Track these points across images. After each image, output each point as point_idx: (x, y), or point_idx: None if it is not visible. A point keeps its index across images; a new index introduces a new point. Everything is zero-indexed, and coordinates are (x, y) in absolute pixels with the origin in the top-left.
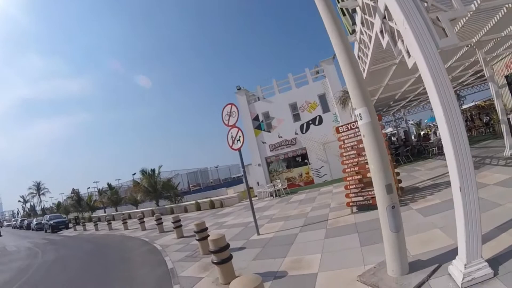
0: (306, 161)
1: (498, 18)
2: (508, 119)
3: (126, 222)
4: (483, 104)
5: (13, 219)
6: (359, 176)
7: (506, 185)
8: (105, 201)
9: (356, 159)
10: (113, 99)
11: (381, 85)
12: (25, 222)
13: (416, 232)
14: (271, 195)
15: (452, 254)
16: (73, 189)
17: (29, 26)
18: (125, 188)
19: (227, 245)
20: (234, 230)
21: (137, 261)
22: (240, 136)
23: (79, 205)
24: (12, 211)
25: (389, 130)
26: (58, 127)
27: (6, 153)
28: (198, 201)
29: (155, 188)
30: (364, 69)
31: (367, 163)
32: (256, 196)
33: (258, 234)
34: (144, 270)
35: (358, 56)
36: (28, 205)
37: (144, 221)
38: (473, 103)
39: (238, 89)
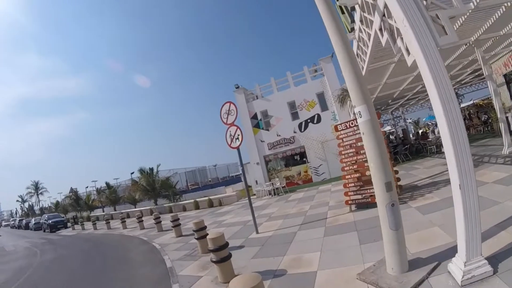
0: (304, 159)
1: (497, 16)
2: (507, 117)
3: (125, 221)
4: (481, 103)
5: (12, 219)
6: (358, 174)
7: (504, 183)
8: (104, 200)
9: (355, 157)
10: (111, 98)
11: (380, 83)
12: (24, 221)
13: (415, 230)
14: (270, 194)
15: (451, 252)
16: (71, 189)
17: (27, 24)
18: (124, 187)
19: (226, 244)
20: (233, 228)
21: (135, 260)
22: (238, 135)
23: (77, 205)
24: (11, 210)
25: (387, 128)
26: (56, 126)
27: (4, 153)
28: (197, 200)
29: (154, 187)
30: (362, 67)
31: (365, 161)
32: (254, 194)
33: (257, 232)
34: (143, 269)
35: (357, 54)
36: (26, 204)
37: (142, 220)
38: (471, 102)
39: (236, 88)
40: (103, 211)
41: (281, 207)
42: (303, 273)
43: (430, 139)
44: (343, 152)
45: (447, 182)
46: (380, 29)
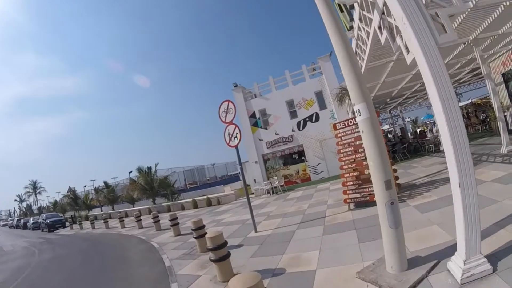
0: (303, 158)
1: (496, 15)
2: (505, 116)
3: (123, 221)
4: (479, 102)
5: (10, 218)
6: (356, 173)
7: (503, 181)
8: (102, 200)
9: (353, 156)
10: (109, 97)
11: (378, 82)
12: (22, 221)
13: (414, 228)
14: (268, 192)
15: (450, 250)
16: (70, 188)
17: (24, 23)
18: (122, 186)
19: (225, 243)
20: (232, 227)
21: (134, 260)
22: (237, 133)
23: (75, 204)
24: (9, 210)
25: (385, 127)
26: (54, 125)
27: (2, 152)
28: (195, 198)
29: (152, 186)
30: (361, 66)
31: (364, 160)
32: (253, 193)
33: (256, 231)
34: (142, 269)
35: (356, 53)
36: (24, 204)
37: (141, 219)
38: (470, 101)
39: (234, 86)
40: (101, 210)
41: (279, 206)
42: (302, 272)
43: (428, 138)
44: (341, 151)
45: (446, 180)
46: (379, 27)
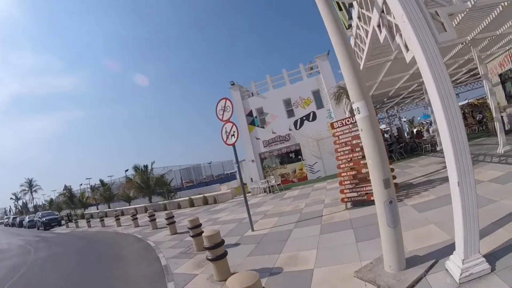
0: (299, 157)
1: (494, 16)
2: (501, 117)
3: (119, 219)
4: (476, 102)
5: (5, 216)
6: (353, 172)
7: (500, 181)
8: (98, 198)
9: (351, 155)
10: (106, 95)
11: (376, 81)
12: (17, 219)
13: (412, 228)
14: (265, 191)
15: (448, 249)
16: (65, 186)
17: (20, 20)
18: (118, 184)
19: (222, 241)
20: (228, 226)
21: (130, 258)
22: (234, 131)
23: (71, 202)
24: (4, 208)
25: (382, 127)
26: (50, 123)
27: None
28: (192, 197)
29: (148, 185)
30: (359, 65)
31: (361, 159)
32: (249, 192)
33: (253, 230)
34: (138, 267)
35: (354, 52)
36: (20, 202)
37: (137, 218)
38: (466, 101)
39: (232, 85)
40: (97, 209)
41: (276, 205)
42: (300, 271)
43: (425, 138)
44: (339, 150)
45: (443, 180)
46: (379, 26)
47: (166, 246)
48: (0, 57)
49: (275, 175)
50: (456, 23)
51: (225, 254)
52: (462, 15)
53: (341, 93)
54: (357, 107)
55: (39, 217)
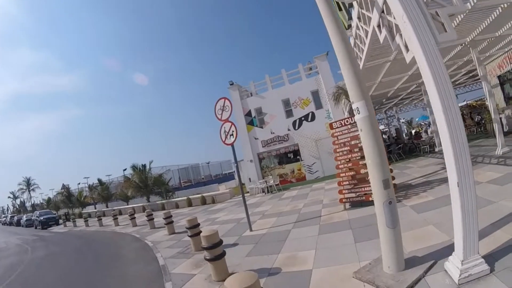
0: (298, 157)
1: (493, 17)
2: (500, 118)
3: (117, 218)
4: (474, 104)
5: (3, 215)
6: (352, 172)
7: (498, 183)
8: (96, 197)
9: (349, 156)
10: (105, 94)
11: (375, 82)
12: (15, 218)
13: (410, 228)
14: (263, 191)
15: (447, 250)
16: (63, 185)
17: (20, 18)
18: (116, 183)
19: (220, 241)
20: (226, 226)
21: (128, 258)
22: (233, 131)
23: (69, 201)
24: (2, 207)
25: (381, 127)
26: (48, 122)
27: None
28: (190, 197)
29: (146, 184)
30: (358, 65)
31: (360, 159)
32: (248, 192)
33: (251, 230)
34: (135, 267)
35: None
36: (18, 201)
37: (135, 217)
38: (465, 103)
39: (231, 84)
40: (95, 208)
41: (274, 205)
42: (298, 272)
43: (423, 139)
44: (337, 150)
45: (441, 181)
46: (379, 26)
47: (164, 246)
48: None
49: (273, 175)
50: (455, 24)
51: (223, 254)
52: (462, 16)
53: (340, 94)
54: (357, 107)
55: (36, 216)
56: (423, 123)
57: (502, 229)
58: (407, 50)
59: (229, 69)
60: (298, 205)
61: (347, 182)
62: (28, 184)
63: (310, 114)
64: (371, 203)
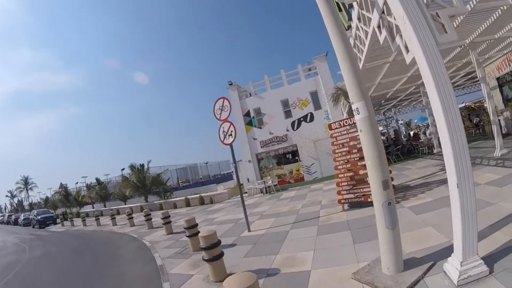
0: (296, 158)
1: (493, 19)
2: (499, 120)
3: (115, 218)
4: (473, 106)
5: (0, 214)
6: (351, 173)
7: (497, 184)
8: (94, 197)
9: (347, 156)
10: (104, 93)
11: (374, 83)
12: (13, 217)
13: (409, 230)
14: (262, 192)
15: (446, 251)
16: (61, 184)
17: (20, 16)
18: (114, 183)
19: (219, 242)
20: (225, 226)
21: (125, 258)
22: (232, 131)
23: (67, 200)
24: (0, 206)
25: (379, 129)
26: (47, 121)
27: None
28: (188, 197)
29: (144, 184)
30: (359, 66)
31: (358, 160)
32: (246, 192)
33: (249, 230)
34: (133, 267)
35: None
36: (15, 200)
37: (132, 217)
38: (463, 104)
39: (230, 84)
40: (93, 208)
41: (273, 206)
42: (297, 272)
43: (422, 140)
44: (336, 151)
45: (440, 182)
46: (379, 27)
47: (162, 246)
48: None
49: (271, 175)
50: (455, 26)
51: (221, 254)
52: (461, 18)
53: (339, 94)
54: (357, 108)
55: (34, 215)
56: (421, 125)
57: (501, 231)
58: (407, 51)
59: (229, 69)
60: (297, 206)
61: (346, 183)
62: (26, 183)
63: (309, 114)
64: (370, 204)
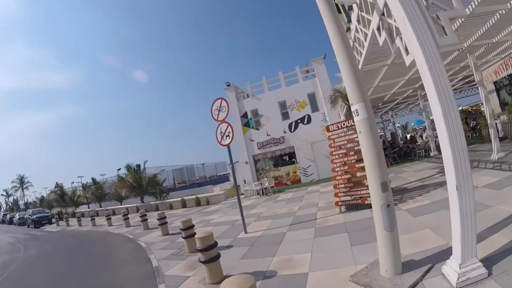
0: (293, 160)
1: (491, 23)
2: (496, 124)
3: (110, 218)
4: (469, 109)
5: None
6: (348, 176)
7: (494, 187)
8: (89, 197)
9: (345, 159)
10: (101, 92)
11: (372, 86)
12: (8, 216)
13: (407, 232)
14: (258, 193)
15: (444, 254)
16: (57, 184)
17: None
18: (110, 183)
19: (215, 243)
20: (221, 228)
21: (121, 259)
22: (229, 132)
23: (62, 200)
24: None
25: None
26: (44, 119)
27: None
28: (184, 198)
29: (140, 184)
30: (358, 67)
31: (356, 162)
32: (243, 194)
33: (246, 232)
34: (128, 268)
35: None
36: (11, 199)
37: (128, 218)
38: (460, 108)
39: (227, 85)
40: (89, 208)
41: (269, 207)
42: (294, 275)
43: (419, 143)
44: (334, 153)
45: (437, 185)
46: (378, 29)
47: (158, 247)
48: None
49: (268, 177)
50: (453, 29)
51: (218, 256)
52: (460, 22)
53: (337, 97)
54: (356, 109)
55: (29, 215)
56: (418, 128)
57: (499, 233)
58: (407, 53)
59: (228, 70)
60: (293, 208)
61: (343, 185)
62: (22, 182)
63: (306, 117)
64: (367, 206)
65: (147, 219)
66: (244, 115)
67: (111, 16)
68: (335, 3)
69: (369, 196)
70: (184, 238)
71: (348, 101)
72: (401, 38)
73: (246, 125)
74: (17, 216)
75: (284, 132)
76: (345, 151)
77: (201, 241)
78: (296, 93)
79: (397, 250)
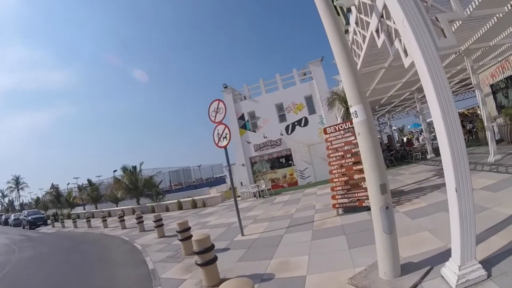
0: (290, 162)
1: (488, 27)
2: (492, 126)
3: (106, 220)
4: (466, 112)
5: None
6: (345, 178)
7: (492, 189)
8: (85, 198)
9: (342, 161)
10: (98, 93)
11: (369, 88)
12: (3, 217)
13: (405, 234)
14: (255, 196)
15: (442, 256)
16: (53, 185)
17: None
18: (106, 185)
19: (212, 246)
20: (218, 230)
21: (116, 261)
22: (226, 134)
23: (58, 201)
24: None
25: None
26: (40, 119)
27: None
28: (180, 200)
29: (136, 186)
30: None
31: (353, 164)
32: (239, 196)
33: (243, 235)
34: (124, 271)
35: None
36: (6, 199)
37: (124, 220)
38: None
39: (224, 87)
40: (84, 209)
41: (266, 210)
42: (292, 277)
43: (415, 146)
44: (331, 155)
45: (434, 187)
46: (377, 31)
47: (154, 250)
48: None
49: (265, 179)
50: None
51: (215, 259)
52: (458, 25)
53: (334, 99)
54: (355, 111)
55: (25, 216)
56: (414, 131)
57: (498, 235)
58: (406, 54)
59: (229, 70)
60: (290, 210)
61: (340, 188)
62: (17, 182)
63: (303, 119)
64: (364, 208)
65: (143, 221)
66: (241, 117)
67: (110, 16)
68: (334, 6)
69: (367, 198)
70: (181, 240)
71: (345, 103)
72: (400, 40)
73: (243, 127)
74: (12, 217)
75: (281, 134)
76: (342, 153)
77: (198, 244)
78: (293, 95)
79: (396, 253)
